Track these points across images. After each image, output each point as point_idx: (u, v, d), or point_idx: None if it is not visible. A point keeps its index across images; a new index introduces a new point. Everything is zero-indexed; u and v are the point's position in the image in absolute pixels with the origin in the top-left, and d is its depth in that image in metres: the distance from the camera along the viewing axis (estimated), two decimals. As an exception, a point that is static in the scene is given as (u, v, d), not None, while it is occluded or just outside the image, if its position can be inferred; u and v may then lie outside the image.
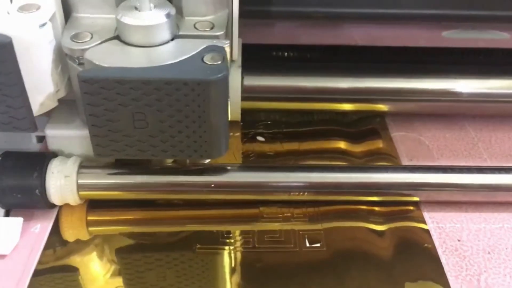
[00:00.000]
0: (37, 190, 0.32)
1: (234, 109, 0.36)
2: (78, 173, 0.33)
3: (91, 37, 0.29)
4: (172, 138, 0.30)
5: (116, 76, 0.27)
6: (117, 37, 0.30)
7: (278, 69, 0.39)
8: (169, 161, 0.35)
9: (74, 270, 0.31)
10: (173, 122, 0.29)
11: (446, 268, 0.31)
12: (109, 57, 0.28)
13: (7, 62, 0.27)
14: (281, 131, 0.41)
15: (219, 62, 0.28)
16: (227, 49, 0.30)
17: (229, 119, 0.31)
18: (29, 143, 0.38)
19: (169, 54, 0.29)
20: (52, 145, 0.34)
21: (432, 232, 0.33)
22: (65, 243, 0.32)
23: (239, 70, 0.36)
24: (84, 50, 0.29)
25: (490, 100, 0.39)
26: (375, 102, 0.39)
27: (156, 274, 0.30)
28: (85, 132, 0.32)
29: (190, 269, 0.31)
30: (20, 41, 0.27)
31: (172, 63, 0.28)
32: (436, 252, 0.32)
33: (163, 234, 0.33)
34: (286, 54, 0.42)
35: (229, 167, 0.34)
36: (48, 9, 0.28)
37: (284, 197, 0.34)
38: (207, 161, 0.35)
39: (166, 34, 0.29)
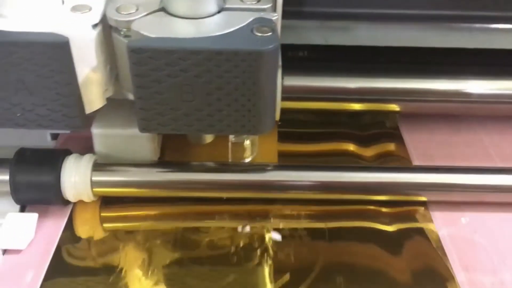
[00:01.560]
0: (52, 187, 0.32)
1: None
2: (93, 170, 0.33)
3: (137, 9, 0.29)
4: (220, 112, 0.29)
5: (166, 46, 0.26)
6: (163, 9, 0.29)
7: (293, 68, 0.39)
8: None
9: (88, 266, 0.31)
10: (221, 95, 0.28)
11: (453, 265, 0.31)
12: (156, 28, 0.28)
13: (63, 61, 0.27)
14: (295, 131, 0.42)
15: (269, 34, 0.27)
16: (276, 22, 0.29)
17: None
18: (44, 140, 0.39)
19: (217, 26, 0.28)
20: (99, 144, 0.35)
21: (439, 233, 0.34)
22: (79, 239, 0.33)
23: (280, 70, 0.34)
24: (130, 22, 0.28)
25: (502, 101, 0.40)
26: (386, 102, 0.39)
27: (173, 270, 0.31)
28: (129, 131, 0.34)
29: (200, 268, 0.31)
30: (75, 41, 0.27)
31: (221, 34, 0.27)
32: (445, 253, 0.32)
33: (178, 229, 0.34)
34: (300, 54, 0.42)
35: (241, 165, 0.35)
36: (99, 10, 0.29)
37: (294, 195, 0.35)
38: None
39: (213, 6, 0.29)
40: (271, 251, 0.32)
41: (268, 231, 0.33)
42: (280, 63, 0.33)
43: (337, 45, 0.38)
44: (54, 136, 0.39)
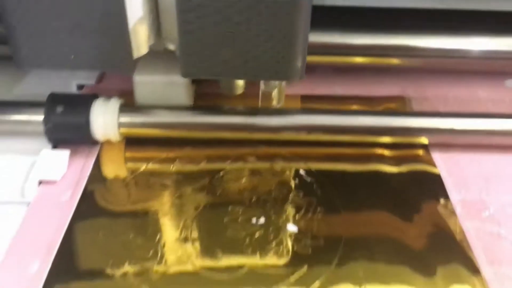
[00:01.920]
0: (82, 127, 0.35)
1: None
2: (119, 112, 0.36)
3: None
4: (256, 58, 0.31)
5: None
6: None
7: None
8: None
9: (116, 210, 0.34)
10: (259, 41, 0.31)
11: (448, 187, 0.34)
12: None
13: (117, 5, 0.30)
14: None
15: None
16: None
17: None
18: (70, 90, 0.42)
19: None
20: (139, 91, 0.37)
21: (439, 167, 0.36)
22: (105, 178, 0.35)
23: None
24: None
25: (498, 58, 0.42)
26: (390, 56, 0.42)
27: (191, 207, 0.33)
28: (167, 79, 0.37)
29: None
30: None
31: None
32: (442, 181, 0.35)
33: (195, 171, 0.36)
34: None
35: (256, 110, 0.38)
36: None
37: (303, 137, 0.37)
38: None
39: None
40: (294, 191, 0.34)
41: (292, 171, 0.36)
42: None
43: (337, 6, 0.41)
44: (80, 87, 0.42)
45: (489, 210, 0.33)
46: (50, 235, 0.31)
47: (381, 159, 0.37)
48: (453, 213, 0.32)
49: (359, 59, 0.42)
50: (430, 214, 0.32)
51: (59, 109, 0.35)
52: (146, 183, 0.35)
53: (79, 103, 0.36)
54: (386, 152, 0.38)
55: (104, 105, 0.36)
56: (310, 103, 0.43)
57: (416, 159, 0.37)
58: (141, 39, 0.32)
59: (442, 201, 0.33)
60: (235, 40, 0.31)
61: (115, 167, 0.36)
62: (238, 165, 0.37)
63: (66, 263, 0.29)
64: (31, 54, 0.32)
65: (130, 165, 0.37)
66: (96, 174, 0.36)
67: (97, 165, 0.36)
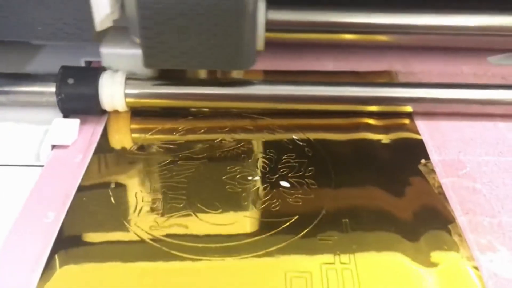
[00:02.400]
0: (91, 97, 0.38)
1: (258, 40, 0.41)
2: (126, 84, 0.39)
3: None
4: (209, 50, 0.36)
5: None
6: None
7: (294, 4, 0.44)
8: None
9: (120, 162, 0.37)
10: (210, 35, 0.35)
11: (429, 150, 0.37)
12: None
13: None
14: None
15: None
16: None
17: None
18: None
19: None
20: (105, 62, 0.40)
21: (422, 133, 0.39)
22: (113, 149, 0.38)
23: (264, 3, 0.40)
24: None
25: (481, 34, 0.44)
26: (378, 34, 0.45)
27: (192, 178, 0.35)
28: (132, 51, 0.39)
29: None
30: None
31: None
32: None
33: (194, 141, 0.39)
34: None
35: (254, 81, 0.40)
36: None
37: (293, 106, 0.40)
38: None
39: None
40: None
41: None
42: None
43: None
44: (88, 63, 0.45)
45: (466, 169, 0.36)
46: (64, 190, 0.34)
47: (368, 127, 0.40)
48: (432, 171, 0.35)
49: (348, 36, 0.44)
50: (412, 173, 0.35)
51: (70, 81, 0.38)
52: (148, 148, 0.38)
53: (89, 75, 0.39)
54: (373, 121, 0.40)
55: (111, 77, 0.39)
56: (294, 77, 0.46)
57: (401, 126, 0.40)
58: (103, 12, 0.36)
59: (423, 161, 0.36)
60: (191, 34, 0.35)
61: (121, 136, 0.39)
62: (236, 134, 0.39)
63: (78, 215, 0.32)
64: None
65: (136, 133, 0.40)
66: (105, 141, 0.38)
67: (105, 133, 0.39)
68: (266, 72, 0.46)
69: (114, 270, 0.29)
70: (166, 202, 0.33)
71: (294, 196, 0.33)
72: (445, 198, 0.33)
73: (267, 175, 0.35)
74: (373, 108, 0.41)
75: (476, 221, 0.32)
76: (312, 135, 0.39)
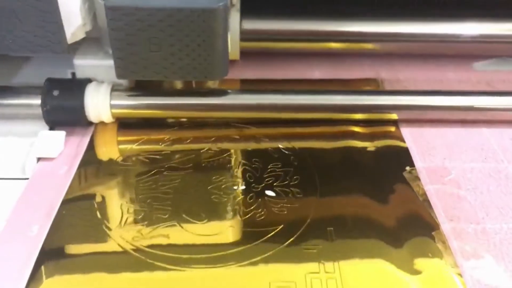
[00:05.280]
0: (77, 109, 0.38)
1: (233, 49, 0.42)
2: (111, 95, 0.39)
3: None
4: (181, 60, 0.36)
5: (136, 4, 0.33)
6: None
7: (275, 13, 0.44)
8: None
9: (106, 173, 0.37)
10: (182, 46, 0.35)
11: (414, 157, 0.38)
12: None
13: None
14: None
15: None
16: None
17: (230, 57, 0.37)
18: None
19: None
20: (79, 73, 0.40)
21: (407, 140, 0.39)
22: (99, 160, 0.38)
23: (238, 14, 0.42)
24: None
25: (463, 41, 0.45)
26: (363, 42, 0.45)
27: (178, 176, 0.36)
28: (106, 62, 0.39)
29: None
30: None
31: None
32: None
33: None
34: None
35: (229, 91, 0.41)
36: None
37: (279, 115, 0.40)
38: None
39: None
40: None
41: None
42: (238, 7, 0.41)
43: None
44: (74, 76, 0.45)
45: (451, 175, 0.36)
46: (48, 203, 0.34)
47: (354, 135, 0.40)
48: (417, 178, 0.35)
49: (335, 45, 0.45)
50: (397, 181, 0.35)
51: (55, 93, 0.38)
52: (134, 159, 0.38)
53: (74, 87, 0.39)
54: (358, 129, 0.40)
55: (96, 89, 0.39)
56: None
57: (386, 134, 0.40)
58: (75, 25, 0.36)
59: (408, 169, 0.36)
60: (161, 45, 0.35)
61: (107, 147, 0.39)
62: (222, 144, 0.39)
63: (63, 227, 0.32)
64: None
65: (122, 144, 0.39)
66: (90, 152, 0.38)
67: (91, 144, 0.39)
68: (243, 81, 0.46)
69: (99, 281, 0.29)
70: (151, 213, 0.33)
71: (279, 205, 0.33)
72: (430, 205, 0.33)
73: (253, 185, 0.35)
74: (359, 116, 0.41)
75: (460, 228, 0.32)
76: (298, 144, 0.39)
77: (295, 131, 0.41)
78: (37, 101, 0.38)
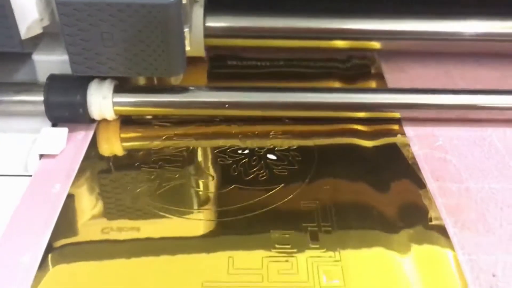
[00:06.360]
0: (80, 106, 0.39)
1: (197, 46, 0.43)
2: (114, 92, 0.40)
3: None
4: (136, 56, 0.36)
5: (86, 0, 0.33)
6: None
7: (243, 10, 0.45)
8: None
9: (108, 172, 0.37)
10: (135, 41, 0.35)
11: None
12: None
13: None
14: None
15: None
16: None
17: (192, 54, 0.39)
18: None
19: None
20: (40, 69, 0.41)
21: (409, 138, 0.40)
22: (102, 156, 0.39)
23: (202, 10, 0.42)
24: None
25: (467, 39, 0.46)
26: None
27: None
28: (65, 58, 0.38)
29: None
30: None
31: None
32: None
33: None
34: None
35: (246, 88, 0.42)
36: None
37: (283, 113, 0.42)
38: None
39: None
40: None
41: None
42: (202, 3, 0.41)
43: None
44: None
45: (438, 142, 0.37)
46: (52, 199, 0.34)
47: (356, 133, 0.41)
48: (407, 144, 0.37)
49: (340, 43, 0.46)
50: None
51: (58, 89, 0.39)
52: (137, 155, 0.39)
53: (77, 84, 0.39)
54: (361, 127, 0.41)
55: (99, 86, 0.40)
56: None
57: (389, 132, 0.41)
58: (30, 20, 0.36)
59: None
60: (114, 41, 0.35)
61: (109, 144, 0.40)
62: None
63: (68, 220, 0.33)
64: None
65: (124, 141, 0.40)
66: (93, 149, 0.39)
67: (94, 141, 0.40)
68: (209, 75, 0.47)
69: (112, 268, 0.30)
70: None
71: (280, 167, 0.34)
72: (418, 168, 0.35)
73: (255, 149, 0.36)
74: (361, 114, 0.41)
75: (444, 187, 0.34)
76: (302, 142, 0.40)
77: (297, 129, 0.41)
78: (40, 97, 0.39)
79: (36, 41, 0.40)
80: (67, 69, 0.38)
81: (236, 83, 0.45)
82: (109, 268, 0.29)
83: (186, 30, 0.36)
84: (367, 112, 0.41)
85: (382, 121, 0.41)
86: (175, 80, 0.44)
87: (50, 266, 0.29)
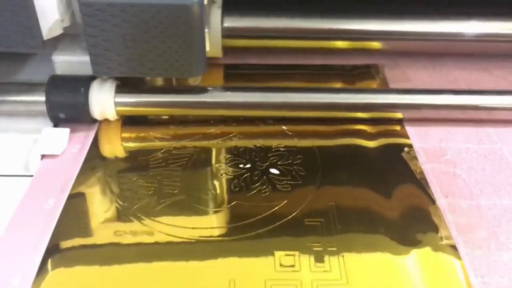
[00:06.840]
0: (81, 105, 0.39)
1: (215, 46, 0.43)
2: (115, 92, 0.39)
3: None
4: (157, 57, 0.35)
5: (109, 0, 0.33)
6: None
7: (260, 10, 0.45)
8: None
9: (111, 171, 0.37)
10: (157, 43, 0.35)
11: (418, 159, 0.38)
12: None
13: None
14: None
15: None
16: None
17: (211, 55, 0.38)
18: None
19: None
20: (59, 69, 0.41)
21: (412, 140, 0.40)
22: (103, 156, 0.38)
23: (219, 11, 0.42)
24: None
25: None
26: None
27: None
28: (84, 59, 0.39)
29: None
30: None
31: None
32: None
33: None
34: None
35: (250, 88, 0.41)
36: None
37: (283, 113, 0.41)
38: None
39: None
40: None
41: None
42: (220, 4, 0.42)
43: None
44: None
45: (447, 156, 0.37)
46: (53, 199, 0.34)
47: (359, 133, 0.40)
48: (414, 157, 0.36)
49: (340, 43, 0.46)
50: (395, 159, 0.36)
51: (60, 89, 0.39)
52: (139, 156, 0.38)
53: (78, 84, 0.39)
54: (363, 127, 0.41)
55: (101, 86, 0.39)
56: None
57: (391, 132, 0.40)
58: (51, 21, 0.36)
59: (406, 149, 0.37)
60: (136, 42, 0.35)
61: (111, 144, 0.40)
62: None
63: (68, 221, 0.32)
64: None
65: (126, 141, 0.40)
66: (95, 149, 0.39)
67: (95, 142, 0.39)
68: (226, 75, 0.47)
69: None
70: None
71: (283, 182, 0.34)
72: (427, 183, 0.34)
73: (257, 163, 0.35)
74: (363, 115, 0.41)
75: (454, 203, 0.33)
76: (303, 142, 0.39)
77: (300, 129, 0.41)
78: (41, 98, 0.39)
79: (54, 42, 0.40)
80: (86, 70, 0.38)
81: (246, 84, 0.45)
82: (112, 272, 0.29)
83: (206, 30, 0.36)
84: (369, 112, 0.41)
85: (384, 121, 0.41)
86: (193, 81, 0.44)
87: (50, 269, 0.29)
